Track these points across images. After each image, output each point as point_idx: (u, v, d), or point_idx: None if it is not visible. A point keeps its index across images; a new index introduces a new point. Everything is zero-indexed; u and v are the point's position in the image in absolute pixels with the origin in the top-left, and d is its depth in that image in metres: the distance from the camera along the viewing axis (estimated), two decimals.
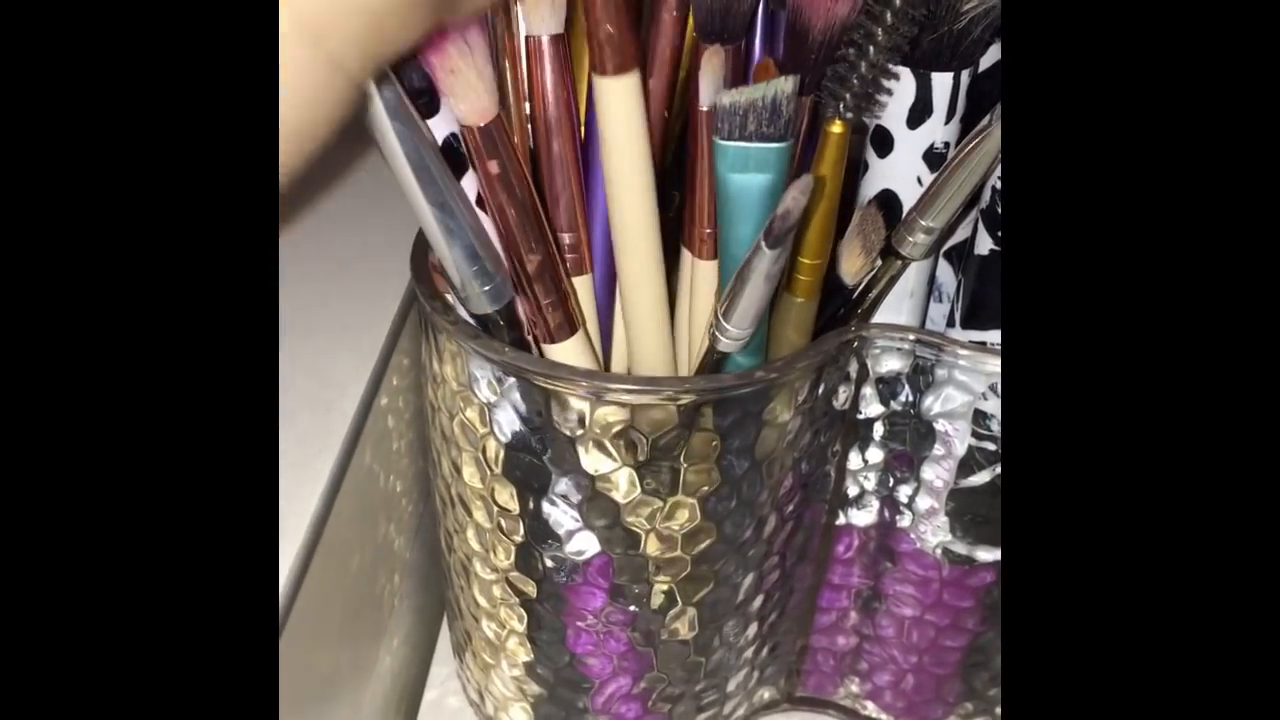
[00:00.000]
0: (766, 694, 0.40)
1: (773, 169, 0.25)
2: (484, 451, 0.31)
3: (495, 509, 0.32)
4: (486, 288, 0.28)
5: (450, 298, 0.30)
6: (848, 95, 0.27)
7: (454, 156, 0.28)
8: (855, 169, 0.31)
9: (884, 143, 0.30)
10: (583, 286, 0.31)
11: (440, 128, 0.28)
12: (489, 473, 0.31)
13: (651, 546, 0.31)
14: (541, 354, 0.31)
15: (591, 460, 0.29)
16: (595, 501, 0.30)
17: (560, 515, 0.31)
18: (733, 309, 0.27)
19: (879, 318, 0.32)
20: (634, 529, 0.31)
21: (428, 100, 0.28)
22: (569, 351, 0.30)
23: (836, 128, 0.27)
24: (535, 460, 0.30)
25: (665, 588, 0.32)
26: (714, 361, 0.29)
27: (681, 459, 0.29)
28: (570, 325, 0.30)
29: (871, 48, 0.27)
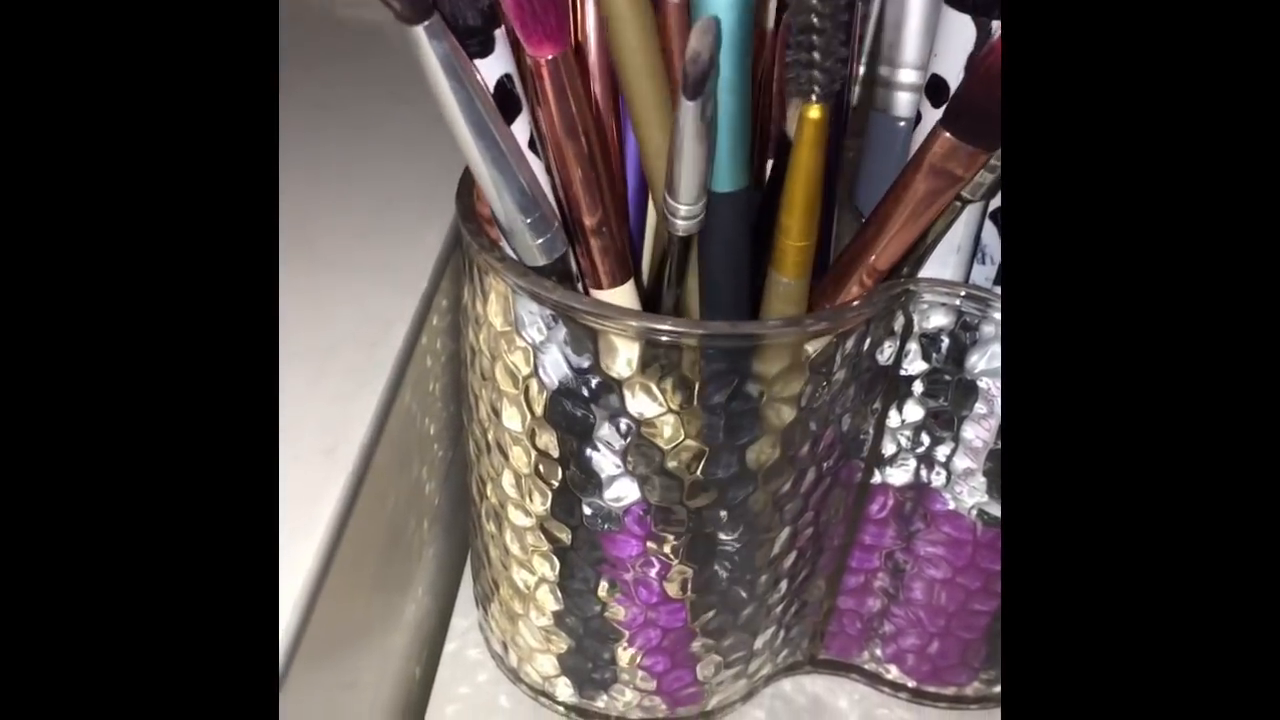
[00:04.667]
0: (790, 655, 0.40)
1: None
2: (526, 395, 0.31)
3: (535, 454, 0.31)
4: (540, 240, 0.28)
5: (499, 239, 0.30)
6: (817, 75, 0.26)
7: (505, 99, 0.28)
8: (837, 151, 0.31)
9: (939, 91, 0.30)
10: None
11: (493, 69, 0.28)
12: (531, 416, 0.31)
13: (691, 495, 0.31)
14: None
15: (637, 404, 0.29)
16: (638, 447, 0.30)
17: (601, 460, 0.31)
18: (676, 182, 0.26)
19: (925, 273, 0.32)
20: (675, 475, 0.30)
21: (481, 40, 0.27)
22: (619, 297, 0.30)
23: (814, 113, 0.26)
24: (579, 404, 0.30)
25: (702, 538, 0.32)
26: (678, 251, 0.28)
27: (727, 406, 0.29)
28: (624, 271, 0.30)
29: (819, 27, 0.26)
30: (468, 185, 0.30)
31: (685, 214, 0.27)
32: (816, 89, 0.26)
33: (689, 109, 0.24)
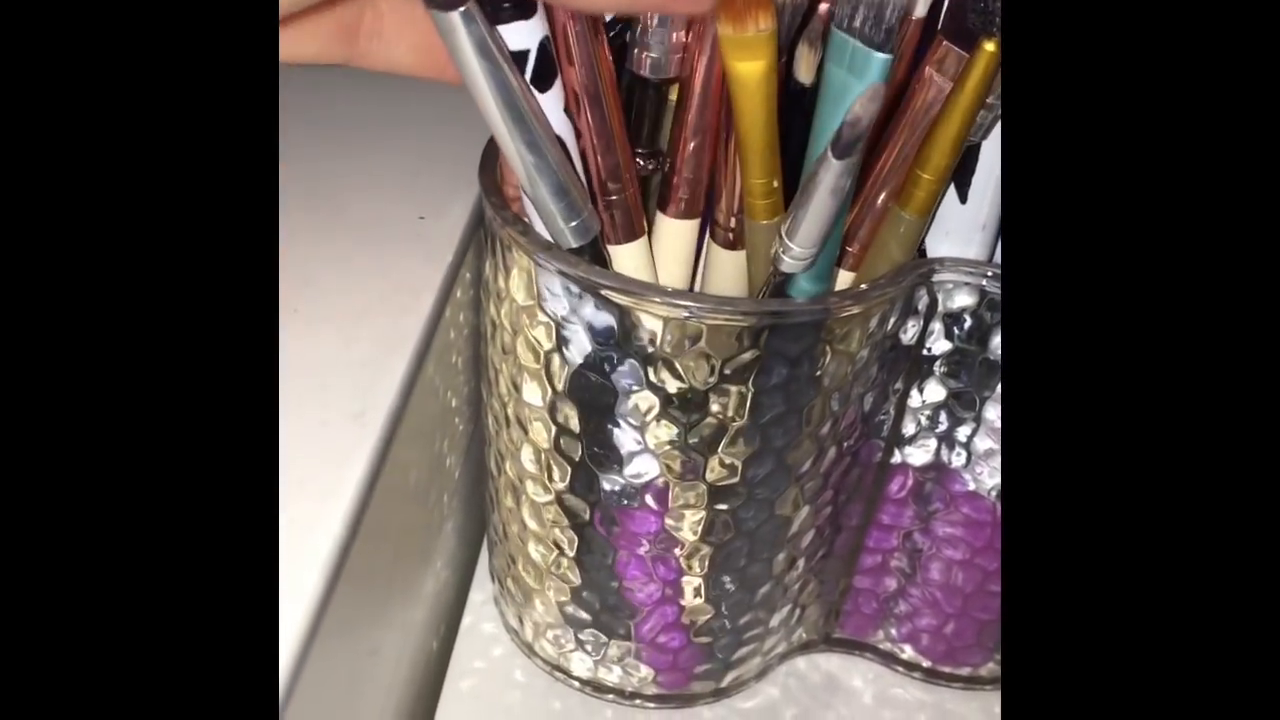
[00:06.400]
0: (805, 634, 0.40)
1: (867, 77, 0.25)
2: (548, 370, 0.31)
3: (555, 429, 0.32)
4: (574, 223, 0.28)
5: (524, 213, 0.30)
6: (995, 10, 0.26)
7: (546, 63, 0.28)
8: None
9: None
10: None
11: (535, 32, 0.27)
12: (552, 391, 0.31)
13: (711, 472, 0.31)
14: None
15: (660, 379, 0.29)
16: (660, 423, 0.30)
17: (622, 436, 0.31)
18: (797, 226, 0.26)
19: (949, 252, 0.32)
20: (697, 452, 0.30)
21: (519, 2, 0.27)
22: (631, 253, 0.30)
23: (991, 46, 0.27)
24: (602, 379, 0.30)
25: (721, 515, 0.32)
26: (777, 284, 0.28)
27: (750, 384, 0.29)
28: (638, 227, 0.30)
29: None
30: (491, 159, 0.30)
31: (798, 255, 0.27)
32: (997, 21, 0.26)
33: (834, 167, 0.24)
